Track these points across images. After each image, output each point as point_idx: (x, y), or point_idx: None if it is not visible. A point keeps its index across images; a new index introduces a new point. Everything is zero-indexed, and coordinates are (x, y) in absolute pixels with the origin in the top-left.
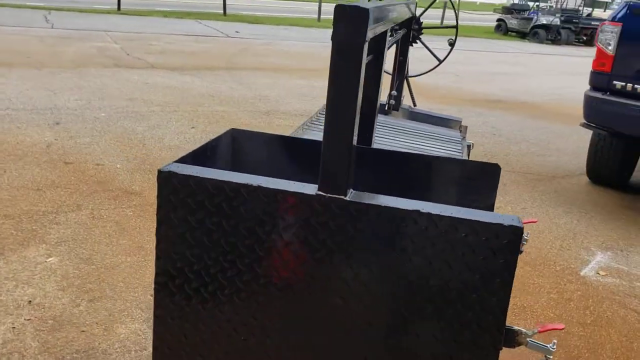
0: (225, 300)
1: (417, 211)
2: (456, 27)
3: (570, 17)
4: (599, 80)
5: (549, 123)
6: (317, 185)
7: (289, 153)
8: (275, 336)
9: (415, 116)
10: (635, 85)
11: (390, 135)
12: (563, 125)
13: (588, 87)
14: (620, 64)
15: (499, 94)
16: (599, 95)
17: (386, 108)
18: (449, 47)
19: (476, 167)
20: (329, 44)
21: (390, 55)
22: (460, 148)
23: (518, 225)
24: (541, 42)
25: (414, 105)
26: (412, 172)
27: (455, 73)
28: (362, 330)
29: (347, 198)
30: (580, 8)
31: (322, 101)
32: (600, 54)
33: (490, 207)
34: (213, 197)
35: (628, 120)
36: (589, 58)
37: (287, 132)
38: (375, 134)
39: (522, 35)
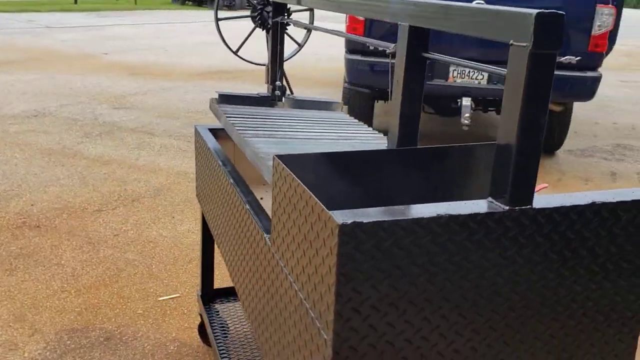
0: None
1: (593, 203)
2: (312, 9)
3: None
4: (354, 43)
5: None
6: (488, 200)
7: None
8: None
9: (300, 104)
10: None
11: (294, 128)
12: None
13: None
14: (371, 27)
15: (219, 65)
16: (358, 57)
17: (272, 99)
18: (305, 30)
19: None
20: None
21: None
22: (371, 130)
23: None
24: (220, 8)
25: (291, 92)
26: (440, 165)
27: (164, 48)
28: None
29: (534, 206)
30: None
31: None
32: (352, 19)
33: None
34: (401, 238)
35: (380, 76)
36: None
37: None
38: (276, 128)
39: (198, 3)
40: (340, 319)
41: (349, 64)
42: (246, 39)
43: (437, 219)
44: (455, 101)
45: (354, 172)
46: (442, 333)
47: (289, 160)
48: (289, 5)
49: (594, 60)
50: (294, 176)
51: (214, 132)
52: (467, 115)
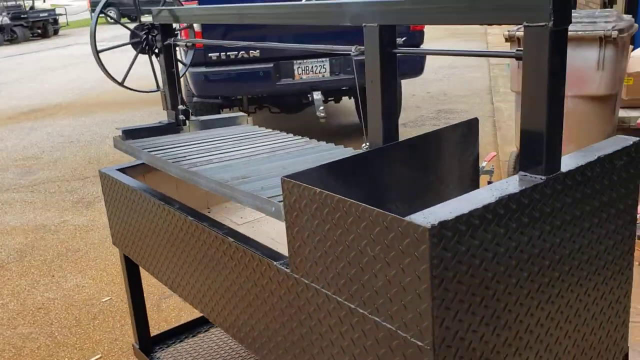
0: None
1: (598, 158)
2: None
3: (17, 13)
4: (197, 56)
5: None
6: (522, 174)
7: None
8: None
9: (207, 124)
10: (221, 53)
11: (224, 149)
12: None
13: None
14: (209, 37)
15: (28, 104)
16: (202, 69)
17: (177, 125)
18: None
19: (462, 127)
20: None
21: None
22: (291, 135)
23: None
24: (0, 44)
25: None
26: (421, 155)
27: None
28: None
29: (562, 171)
30: (22, 2)
31: None
32: (191, 32)
33: (477, 156)
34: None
35: (230, 84)
36: (56, 49)
37: None
38: (208, 152)
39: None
40: (439, 320)
41: (195, 77)
42: (130, 67)
43: (500, 202)
44: (306, 96)
45: (354, 176)
46: (522, 302)
47: (297, 179)
48: (174, 25)
49: (416, 38)
50: (332, 194)
51: (125, 171)
52: (321, 108)
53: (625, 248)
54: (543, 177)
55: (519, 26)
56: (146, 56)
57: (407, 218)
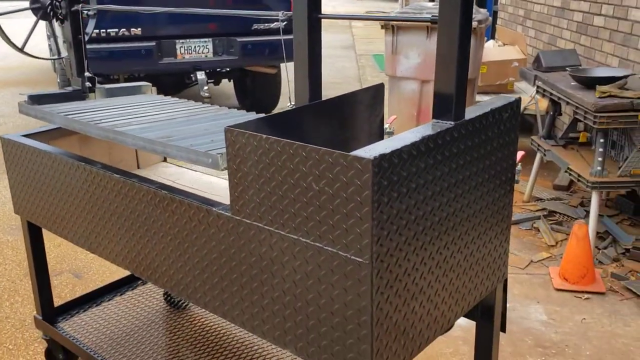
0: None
1: (490, 110)
2: None
3: None
4: None
5: None
6: (435, 121)
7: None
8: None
9: (113, 92)
10: (101, 31)
11: (140, 113)
12: None
13: None
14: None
15: None
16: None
17: (83, 92)
18: None
19: (372, 91)
20: None
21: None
22: (200, 103)
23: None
24: None
25: None
26: (339, 114)
27: None
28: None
29: (466, 118)
30: None
31: None
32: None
33: (382, 117)
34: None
35: (110, 62)
36: None
37: None
38: (126, 116)
39: None
40: (375, 239)
41: None
42: (30, 33)
43: (424, 140)
44: (189, 76)
45: (283, 130)
46: (435, 227)
47: (240, 129)
48: None
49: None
50: (279, 138)
51: (31, 137)
52: (205, 87)
53: (507, 187)
54: (452, 123)
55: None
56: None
57: (352, 153)
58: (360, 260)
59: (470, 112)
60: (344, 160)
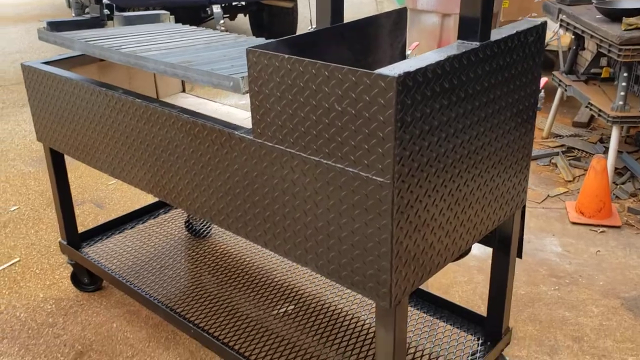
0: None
1: (516, 32)
2: None
3: None
4: None
5: None
6: (460, 42)
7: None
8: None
9: (131, 20)
10: None
11: (162, 40)
12: None
13: None
14: None
15: None
16: None
17: (102, 20)
18: None
19: (394, 15)
20: None
21: None
22: (218, 31)
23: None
24: None
25: None
26: (360, 38)
27: None
28: None
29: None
30: None
31: None
32: None
33: (404, 43)
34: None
35: None
36: None
37: None
38: (147, 43)
39: None
40: (398, 158)
41: None
42: None
43: (450, 60)
44: (205, 10)
45: (305, 52)
46: (457, 150)
47: (263, 49)
48: None
49: None
50: (302, 58)
51: (52, 64)
52: (221, 22)
53: (530, 113)
54: (477, 44)
55: None
56: None
57: (376, 71)
58: (382, 180)
59: (496, 34)
60: (368, 79)
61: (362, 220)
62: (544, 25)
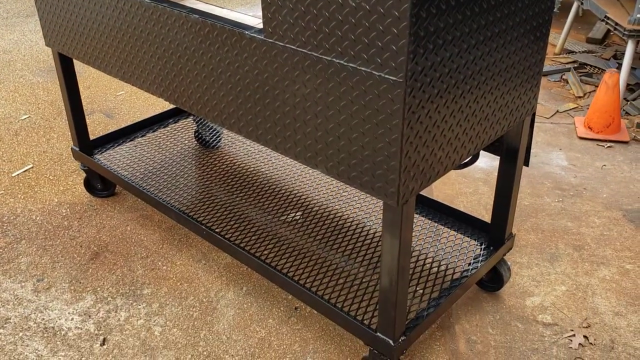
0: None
1: None
2: None
3: None
4: None
5: None
6: None
7: None
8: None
9: None
10: None
11: None
12: None
13: None
14: None
15: None
16: None
17: None
18: None
19: None
20: None
21: None
22: None
23: None
24: None
25: None
26: None
27: None
28: None
29: None
30: None
31: None
32: None
33: None
34: None
35: None
36: None
37: None
38: None
39: None
40: (412, 56)
41: None
42: None
43: None
44: None
45: None
46: (475, 36)
47: None
48: None
49: None
50: None
51: None
52: None
53: (545, 17)
54: None
55: None
56: None
57: None
58: (394, 78)
59: None
60: None
61: (372, 120)
62: None
